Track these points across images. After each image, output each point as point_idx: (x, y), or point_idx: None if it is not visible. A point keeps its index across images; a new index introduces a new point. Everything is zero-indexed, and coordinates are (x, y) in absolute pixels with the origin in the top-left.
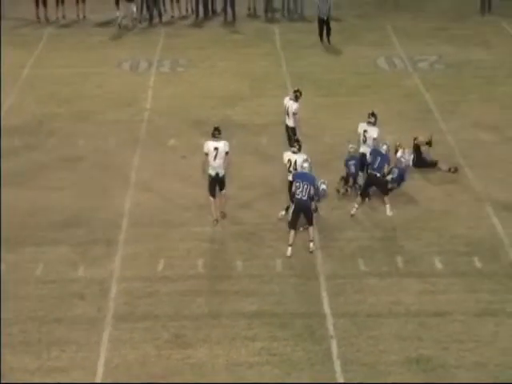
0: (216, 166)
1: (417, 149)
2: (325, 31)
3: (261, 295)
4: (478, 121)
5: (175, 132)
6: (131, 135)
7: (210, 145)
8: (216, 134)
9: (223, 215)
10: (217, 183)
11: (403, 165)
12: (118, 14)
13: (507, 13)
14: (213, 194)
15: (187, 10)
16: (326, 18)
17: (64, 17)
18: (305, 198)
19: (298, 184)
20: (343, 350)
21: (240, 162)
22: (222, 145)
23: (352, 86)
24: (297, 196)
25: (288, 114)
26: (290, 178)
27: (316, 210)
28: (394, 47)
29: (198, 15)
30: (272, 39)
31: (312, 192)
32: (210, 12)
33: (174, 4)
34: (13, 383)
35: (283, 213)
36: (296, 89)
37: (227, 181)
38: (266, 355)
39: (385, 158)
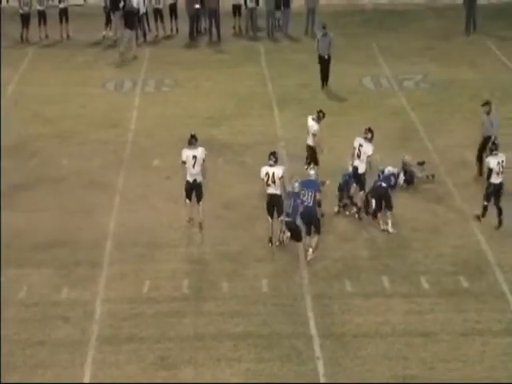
0: (195, 173)
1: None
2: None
3: (246, 316)
4: (463, 140)
5: (160, 152)
6: (115, 156)
7: (188, 153)
8: (193, 141)
9: (201, 227)
10: (194, 188)
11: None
12: (104, 33)
13: (492, 32)
14: (189, 196)
15: (172, 30)
16: (326, 56)
17: (47, 37)
18: (311, 205)
19: (303, 191)
20: (330, 371)
21: (225, 182)
22: (200, 152)
23: (338, 105)
24: (303, 203)
25: (309, 134)
26: (269, 190)
27: (322, 215)
28: (379, 66)
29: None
30: (257, 58)
31: (318, 198)
32: (195, 32)
33: (159, 24)
34: (13, 383)
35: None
36: (319, 110)
37: (207, 196)
38: (252, 376)
39: (393, 174)
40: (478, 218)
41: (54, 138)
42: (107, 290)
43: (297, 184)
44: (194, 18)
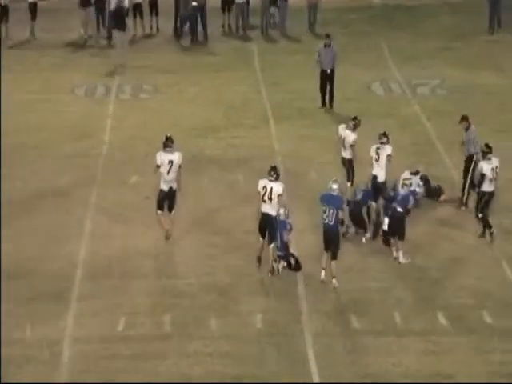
0: (169, 180)
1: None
2: (328, 90)
3: (238, 357)
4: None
5: (138, 168)
6: (87, 172)
7: (163, 157)
8: (169, 144)
9: (167, 237)
10: (168, 198)
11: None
12: (82, 31)
13: None
14: (162, 207)
15: (152, 28)
16: (329, 71)
17: (7, 36)
18: (332, 223)
19: (324, 208)
20: None
21: (213, 204)
22: (177, 157)
23: (342, 114)
24: (324, 221)
25: (344, 146)
26: (264, 208)
27: (344, 235)
28: (389, 70)
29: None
30: (250, 61)
31: (340, 216)
32: (179, 30)
33: (138, 21)
34: (13, 383)
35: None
36: (354, 116)
37: (190, 218)
38: None
39: (412, 192)
40: (483, 235)
41: (16, 151)
42: (77, 327)
43: (282, 211)
44: (187, 18)
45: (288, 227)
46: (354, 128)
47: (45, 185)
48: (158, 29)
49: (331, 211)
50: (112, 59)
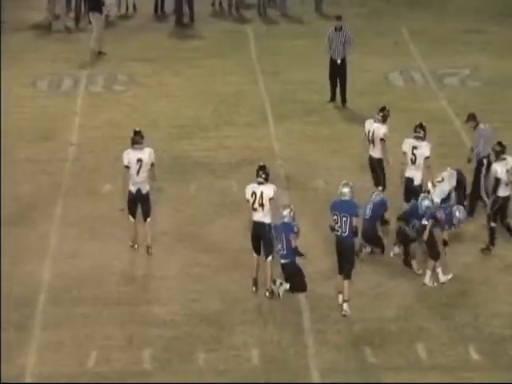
0: (139, 182)
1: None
2: (338, 83)
3: None
4: None
5: (111, 174)
6: (51, 179)
7: (131, 155)
8: (138, 140)
9: (148, 251)
10: (139, 201)
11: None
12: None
13: None
14: (133, 212)
15: (128, 8)
16: (340, 61)
17: None
18: (345, 234)
19: (335, 217)
20: None
21: (202, 216)
22: (147, 155)
23: (354, 109)
24: (336, 233)
25: (373, 142)
26: (256, 217)
27: (361, 250)
28: (411, 57)
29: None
30: (245, 46)
31: (354, 225)
32: (159, 10)
33: None
34: (13, 383)
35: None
36: (382, 107)
37: (175, 234)
38: None
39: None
40: (488, 248)
41: None
42: (39, 362)
43: (286, 212)
44: None
45: (295, 230)
46: (384, 120)
47: (4, 193)
48: (134, 8)
49: (344, 219)
50: (88, 46)
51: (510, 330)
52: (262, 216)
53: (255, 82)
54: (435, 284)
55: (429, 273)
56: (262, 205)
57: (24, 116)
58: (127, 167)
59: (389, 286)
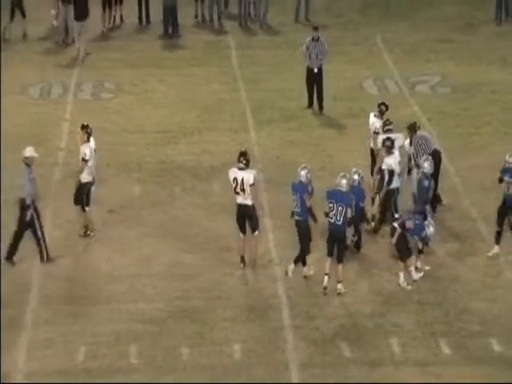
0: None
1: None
2: (315, 90)
3: None
4: (494, 159)
5: (100, 178)
6: (41, 183)
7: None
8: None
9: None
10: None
11: None
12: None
13: None
14: (83, 203)
15: (115, 19)
16: (316, 70)
17: None
18: (339, 223)
19: (331, 205)
20: None
21: (185, 218)
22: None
23: (331, 115)
24: (330, 220)
25: (372, 135)
26: (239, 200)
27: (354, 240)
28: (384, 65)
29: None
30: (227, 55)
31: (349, 215)
32: (145, 21)
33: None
34: (13, 383)
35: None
36: (380, 102)
37: (159, 233)
38: None
39: None
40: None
41: None
42: (30, 359)
43: (304, 172)
44: (172, 10)
45: (309, 190)
46: (381, 114)
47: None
48: (121, 19)
49: (340, 209)
50: (75, 49)
51: (479, 325)
52: (244, 199)
53: (236, 89)
54: (409, 287)
55: (402, 274)
56: (243, 190)
57: (14, 122)
58: (86, 161)
59: (364, 284)
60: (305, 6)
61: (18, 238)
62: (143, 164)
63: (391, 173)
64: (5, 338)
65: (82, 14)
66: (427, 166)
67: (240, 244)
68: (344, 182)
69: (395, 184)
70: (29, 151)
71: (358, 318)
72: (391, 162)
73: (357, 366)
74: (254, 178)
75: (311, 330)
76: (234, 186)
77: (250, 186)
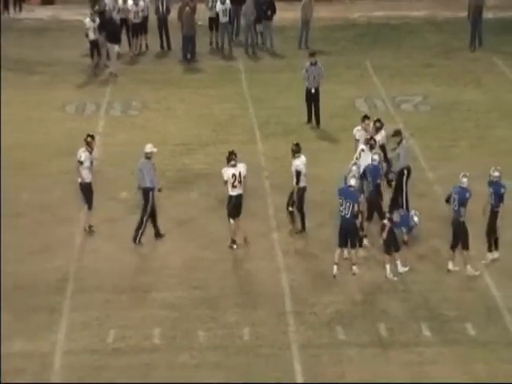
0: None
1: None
2: (313, 108)
3: (226, 368)
4: (469, 169)
5: (128, 184)
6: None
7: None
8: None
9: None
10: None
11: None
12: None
13: (499, 48)
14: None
15: (141, 46)
16: (313, 90)
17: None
18: (348, 216)
19: (340, 201)
20: None
21: (201, 218)
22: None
23: (326, 130)
24: (340, 213)
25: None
26: (235, 192)
27: (361, 228)
28: (374, 87)
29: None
30: (237, 78)
31: (356, 210)
32: (166, 47)
33: (133, 38)
34: (13, 383)
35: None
36: (376, 119)
37: (177, 233)
38: None
39: None
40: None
41: (7, 169)
42: (67, 340)
43: (376, 156)
44: (190, 39)
45: (381, 172)
46: (376, 131)
47: (33, 201)
48: (147, 46)
49: (347, 204)
50: (107, 69)
51: (456, 311)
52: (239, 190)
53: (246, 107)
54: (395, 278)
55: (388, 266)
56: (240, 182)
57: (55, 135)
58: (81, 162)
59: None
60: (305, 35)
61: (153, 218)
62: (165, 172)
63: (298, 173)
64: (46, 321)
65: (115, 38)
66: (376, 157)
67: (232, 228)
68: (353, 182)
69: (303, 183)
70: (149, 147)
71: (350, 305)
72: (298, 163)
73: (350, 346)
74: (246, 170)
75: (310, 315)
76: (232, 181)
77: (244, 177)
